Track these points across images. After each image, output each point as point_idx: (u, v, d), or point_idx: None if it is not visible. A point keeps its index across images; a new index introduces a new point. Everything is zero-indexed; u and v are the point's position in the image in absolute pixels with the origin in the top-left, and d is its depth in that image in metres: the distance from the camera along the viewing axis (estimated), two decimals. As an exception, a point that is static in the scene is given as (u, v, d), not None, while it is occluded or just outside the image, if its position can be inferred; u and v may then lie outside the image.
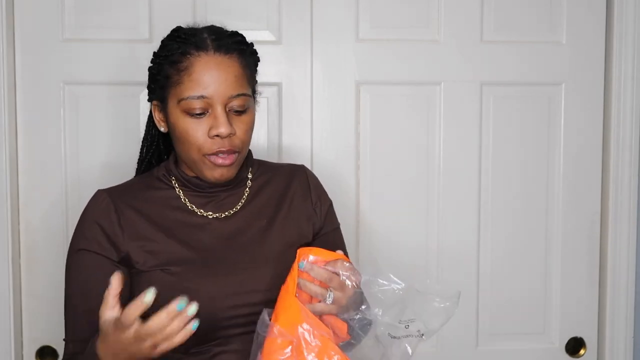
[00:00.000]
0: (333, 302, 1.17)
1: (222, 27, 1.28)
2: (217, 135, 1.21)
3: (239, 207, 1.31)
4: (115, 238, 1.24)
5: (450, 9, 1.77)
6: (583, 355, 1.87)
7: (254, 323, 1.22)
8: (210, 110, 1.21)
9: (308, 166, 1.73)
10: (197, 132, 1.22)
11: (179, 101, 1.22)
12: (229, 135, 1.21)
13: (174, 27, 1.28)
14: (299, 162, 1.45)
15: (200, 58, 1.21)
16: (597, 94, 1.82)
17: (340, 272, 1.17)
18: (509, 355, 1.85)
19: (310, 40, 1.74)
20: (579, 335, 1.87)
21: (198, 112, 1.21)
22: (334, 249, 1.30)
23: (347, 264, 1.19)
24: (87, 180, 1.67)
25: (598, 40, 1.81)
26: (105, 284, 1.16)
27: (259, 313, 1.21)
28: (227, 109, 1.22)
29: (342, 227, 1.42)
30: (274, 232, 1.31)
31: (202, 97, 1.20)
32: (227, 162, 1.23)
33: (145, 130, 1.38)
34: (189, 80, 1.21)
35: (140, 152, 1.39)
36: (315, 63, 1.74)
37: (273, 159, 1.68)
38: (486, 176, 1.80)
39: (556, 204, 1.83)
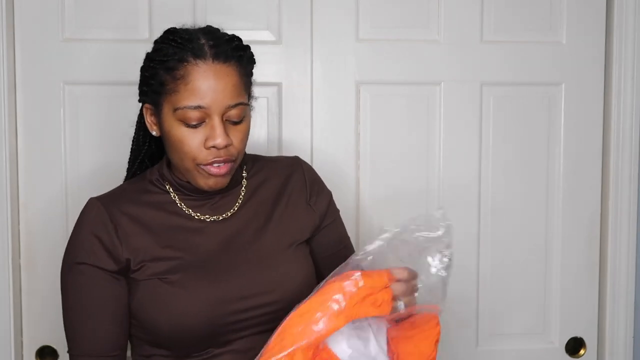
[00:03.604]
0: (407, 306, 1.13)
1: (219, 28, 1.25)
2: (214, 147, 1.18)
3: (236, 208, 1.29)
4: (114, 248, 1.21)
5: (450, 9, 1.77)
6: (583, 355, 1.87)
7: (257, 325, 1.22)
8: (207, 120, 1.18)
9: (308, 166, 1.74)
10: (192, 142, 1.18)
11: (175, 110, 1.18)
12: (226, 147, 1.19)
13: (170, 27, 1.24)
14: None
15: (198, 67, 1.17)
16: (597, 94, 1.82)
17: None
18: (509, 355, 1.85)
19: (310, 40, 1.74)
20: (579, 335, 1.87)
21: (194, 122, 1.17)
22: (337, 239, 1.32)
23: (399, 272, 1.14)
24: (87, 180, 1.68)
25: (598, 40, 1.81)
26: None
27: (260, 316, 1.21)
28: (224, 119, 1.19)
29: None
30: (272, 231, 1.29)
31: (199, 107, 1.16)
32: (223, 171, 1.21)
33: (136, 131, 1.34)
34: (185, 90, 1.17)
35: (132, 153, 1.35)
36: (315, 63, 1.74)
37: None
38: (486, 176, 1.80)
39: (556, 204, 1.83)
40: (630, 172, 1.81)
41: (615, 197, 1.82)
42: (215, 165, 1.20)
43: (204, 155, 1.19)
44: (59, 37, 1.68)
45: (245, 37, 1.71)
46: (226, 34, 1.24)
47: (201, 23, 1.70)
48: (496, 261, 1.83)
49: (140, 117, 1.30)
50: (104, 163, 1.69)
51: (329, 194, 1.40)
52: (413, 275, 1.14)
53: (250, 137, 1.75)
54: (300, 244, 1.31)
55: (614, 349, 1.85)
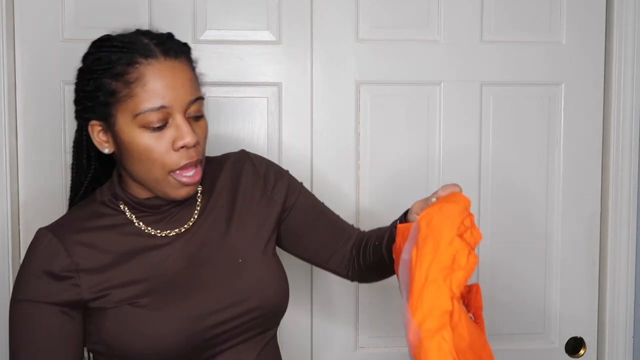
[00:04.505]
0: None
1: (151, 29, 1.19)
2: (184, 146, 1.12)
3: (195, 217, 1.23)
4: (69, 281, 1.13)
5: (450, 9, 1.77)
6: (583, 355, 1.87)
7: (240, 334, 1.19)
8: (169, 121, 1.12)
9: (308, 165, 1.74)
10: (159, 147, 1.11)
11: (135, 116, 1.10)
12: (195, 145, 1.13)
13: (101, 36, 1.18)
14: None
15: (152, 66, 1.11)
16: (597, 94, 1.82)
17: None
18: (509, 355, 1.85)
19: (310, 40, 1.74)
20: (578, 335, 1.87)
21: (158, 124, 1.11)
22: (310, 210, 1.30)
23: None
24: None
25: (598, 40, 1.81)
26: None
27: (241, 325, 1.18)
28: (186, 116, 1.13)
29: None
30: (236, 235, 1.25)
31: (162, 107, 1.10)
32: (196, 179, 1.15)
33: (75, 156, 1.23)
34: (143, 92, 1.10)
35: (75, 180, 1.25)
36: (315, 63, 1.74)
37: (273, 158, 1.68)
38: (486, 176, 1.81)
39: (556, 203, 1.83)
40: (630, 172, 1.81)
41: (615, 197, 1.82)
42: (186, 175, 1.14)
43: (174, 159, 1.13)
44: (59, 37, 1.68)
45: (245, 37, 1.73)
46: (163, 33, 1.18)
47: (202, 23, 1.72)
48: (496, 261, 1.83)
49: (80, 139, 1.20)
50: (104, 163, 1.69)
51: (286, 174, 1.35)
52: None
53: (250, 137, 1.76)
54: (268, 242, 1.28)
55: (614, 349, 1.85)
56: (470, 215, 1.06)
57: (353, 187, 1.77)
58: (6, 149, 1.65)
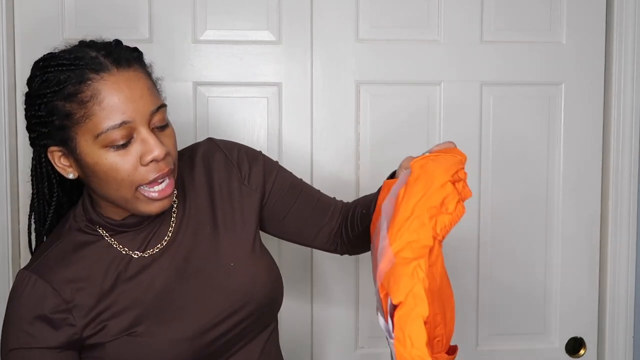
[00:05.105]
0: None
1: (93, 39, 1.12)
2: (153, 160, 1.05)
3: (174, 226, 1.17)
4: (61, 322, 1.08)
5: (450, 9, 1.77)
6: (583, 355, 1.87)
7: (247, 334, 1.17)
8: (134, 136, 1.05)
9: (308, 165, 1.74)
10: (126, 165, 1.04)
11: (97, 136, 1.03)
12: (165, 156, 1.06)
13: (43, 56, 1.11)
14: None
15: (105, 81, 1.03)
16: (597, 94, 1.82)
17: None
18: (509, 355, 1.85)
19: (310, 40, 1.74)
20: (579, 335, 1.87)
21: (122, 142, 1.04)
22: (290, 189, 1.25)
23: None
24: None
25: (598, 40, 1.81)
26: None
27: (246, 327, 1.16)
28: (151, 128, 1.06)
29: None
30: (223, 236, 1.20)
31: (123, 123, 1.03)
32: (167, 192, 1.09)
33: (35, 185, 1.14)
34: (101, 110, 1.02)
35: (38, 210, 1.16)
36: (315, 63, 1.74)
37: (273, 158, 1.67)
38: (486, 176, 1.81)
39: (556, 204, 1.83)
40: (630, 172, 1.81)
41: (615, 197, 1.82)
42: (157, 188, 1.07)
43: (143, 174, 1.06)
44: (59, 37, 1.68)
45: (245, 37, 1.73)
46: (109, 41, 1.11)
47: (202, 23, 1.71)
48: (496, 261, 1.83)
49: (39, 167, 1.13)
50: (104, 163, 1.69)
51: (260, 157, 1.28)
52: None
53: (250, 137, 1.76)
54: (255, 236, 1.23)
55: (614, 349, 1.85)
56: (464, 171, 1.03)
57: (353, 187, 1.77)
58: (6, 149, 1.65)
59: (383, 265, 0.95)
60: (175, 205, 1.19)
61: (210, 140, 1.27)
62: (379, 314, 0.96)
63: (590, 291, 1.86)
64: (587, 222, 1.84)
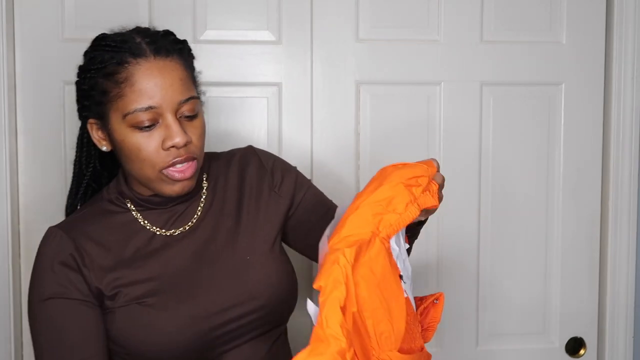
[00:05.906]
0: None
1: (149, 27, 1.19)
2: (173, 146, 1.12)
3: (199, 213, 1.23)
4: (84, 276, 1.15)
5: (450, 9, 1.77)
6: (583, 355, 1.87)
7: (249, 332, 1.18)
8: (160, 121, 1.12)
9: (308, 165, 1.74)
10: (149, 147, 1.12)
11: (125, 116, 1.11)
12: (186, 144, 1.13)
13: (98, 35, 1.18)
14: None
15: (140, 65, 1.11)
16: (597, 94, 1.82)
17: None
18: (509, 355, 1.85)
19: (310, 40, 1.74)
20: (579, 335, 1.87)
21: (147, 124, 1.11)
22: (318, 206, 1.27)
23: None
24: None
25: (598, 40, 1.81)
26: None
27: (250, 323, 1.18)
28: (178, 116, 1.13)
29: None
30: (244, 232, 1.24)
31: (150, 107, 1.10)
32: (188, 174, 1.15)
33: (78, 153, 1.25)
34: (131, 92, 1.10)
35: (75, 178, 1.26)
36: (315, 63, 1.74)
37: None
38: (486, 176, 1.81)
39: (556, 204, 1.83)
40: (630, 172, 1.81)
41: (615, 197, 1.82)
42: (178, 166, 1.14)
43: (163, 157, 1.12)
44: (59, 37, 1.68)
45: (245, 37, 1.73)
46: (160, 30, 1.18)
47: (202, 23, 1.72)
48: (496, 261, 1.83)
49: (81, 136, 1.24)
50: (104, 163, 1.69)
51: (293, 170, 1.34)
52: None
53: (250, 137, 1.76)
54: (275, 239, 1.26)
55: (614, 349, 1.85)
56: (433, 182, 1.03)
57: (353, 187, 1.77)
58: (6, 149, 1.65)
59: (320, 260, 0.98)
60: (204, 196, 1.25)
61: (250, 146, 1.34)
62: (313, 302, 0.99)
63: (590, 291, 1.86)
64: (587, 222, 1.84)
